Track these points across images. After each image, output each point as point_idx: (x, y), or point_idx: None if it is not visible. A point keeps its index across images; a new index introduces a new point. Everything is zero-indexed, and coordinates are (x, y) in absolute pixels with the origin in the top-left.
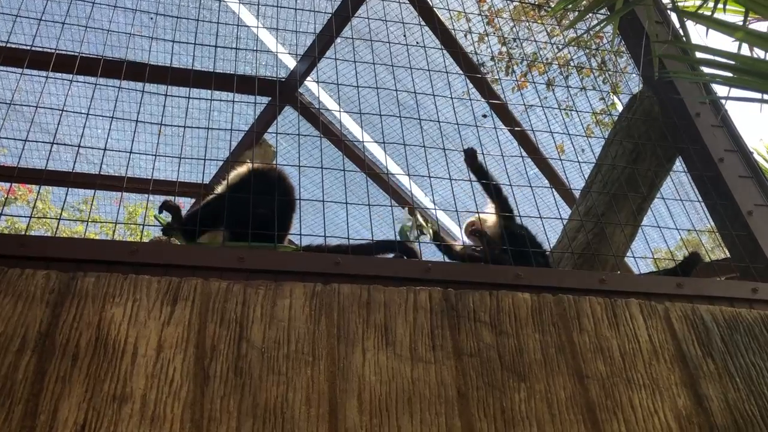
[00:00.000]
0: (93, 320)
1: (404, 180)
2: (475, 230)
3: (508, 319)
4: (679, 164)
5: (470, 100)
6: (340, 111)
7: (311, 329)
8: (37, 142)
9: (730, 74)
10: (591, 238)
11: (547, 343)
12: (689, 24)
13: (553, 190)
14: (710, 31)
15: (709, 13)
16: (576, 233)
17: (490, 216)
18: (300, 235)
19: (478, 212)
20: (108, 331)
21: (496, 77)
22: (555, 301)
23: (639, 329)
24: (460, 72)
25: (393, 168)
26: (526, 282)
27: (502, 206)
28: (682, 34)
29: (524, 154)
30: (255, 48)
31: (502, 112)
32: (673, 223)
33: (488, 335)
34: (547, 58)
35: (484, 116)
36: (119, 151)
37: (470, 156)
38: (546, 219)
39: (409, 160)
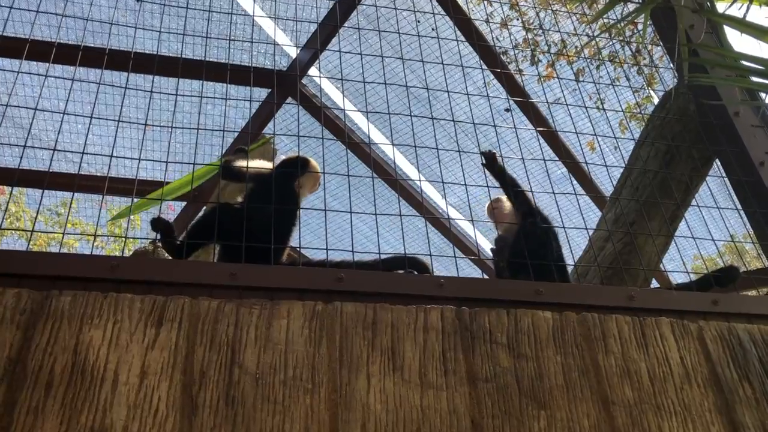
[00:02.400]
0: (69, 344)
1: (415, 176)
2: (495, 243)
3: (527, 341)
4: (716, 168)
5: (488, 97)
6: (344, 109)
7: (311, 353)
8: (10, 145)
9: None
10: (620, 249)
11: (570, 366)
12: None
13: (577, 196)
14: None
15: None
16: (604, 243)
17: (508, 205)
18: (299, 247)
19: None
20: (86, 356)
21: (520, 68)
22: (578, 320)
23: (670, 350)
24: (479, 65)
25: (404, 166)
26: (547, 299)
27: (524, 214)
28: (717, 39)
29: (547, 154)
30: (252, 34)
31: (525, 105)
32: (709, 233)
33: (505, 358)
34: (576, 47)
35: (507, 110)
36: (99, 155)
37: (489, 159)
38: (570, 229)
39: (424, 158)
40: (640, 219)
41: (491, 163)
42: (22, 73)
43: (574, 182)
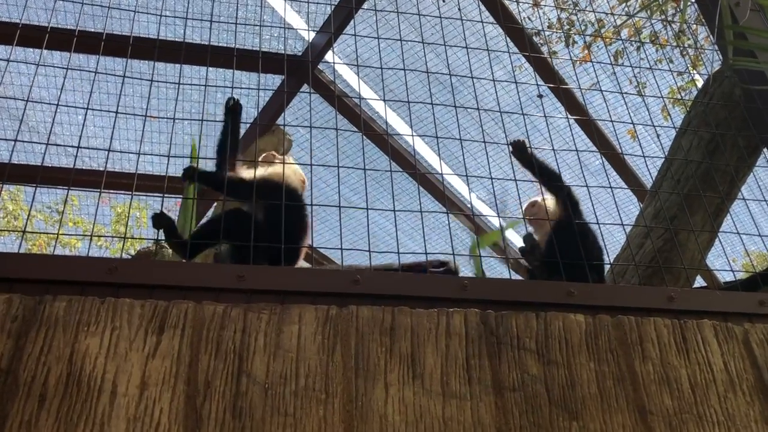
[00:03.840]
0: (64, 353)
1: (438, 167)
2: (524, 242)
3: (557, 346)
4: (764, 157)
5: (516, 83)
6: (361, 98)
7: (324, 361)
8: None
9: None
10: (660, 246)
11: (604, 373)
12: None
13: (613, 190)
14: None
15: None
16: (643, 240)
17: (550, 202)
18: (312, 247)
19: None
20: (82, 366)
21: (553, 50)
22: (614, 323)
23: (713, 356)
24: (508, 47)
25: (427, 156)
26: (579, 301)
27: (564, 201)
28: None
29: (582, 143)
30: (263, 17)
31: (559, 91)
32: (756, 228)
33: (534, 365)
34: (614, 26)
35: (539, 96)
36: (97, 149)
37: (519, 149)
38: (606, 225)
39: (449, 147)
40: (682, 213)
41: (521, 152)
42: (15, 61)
43: (613, 173)
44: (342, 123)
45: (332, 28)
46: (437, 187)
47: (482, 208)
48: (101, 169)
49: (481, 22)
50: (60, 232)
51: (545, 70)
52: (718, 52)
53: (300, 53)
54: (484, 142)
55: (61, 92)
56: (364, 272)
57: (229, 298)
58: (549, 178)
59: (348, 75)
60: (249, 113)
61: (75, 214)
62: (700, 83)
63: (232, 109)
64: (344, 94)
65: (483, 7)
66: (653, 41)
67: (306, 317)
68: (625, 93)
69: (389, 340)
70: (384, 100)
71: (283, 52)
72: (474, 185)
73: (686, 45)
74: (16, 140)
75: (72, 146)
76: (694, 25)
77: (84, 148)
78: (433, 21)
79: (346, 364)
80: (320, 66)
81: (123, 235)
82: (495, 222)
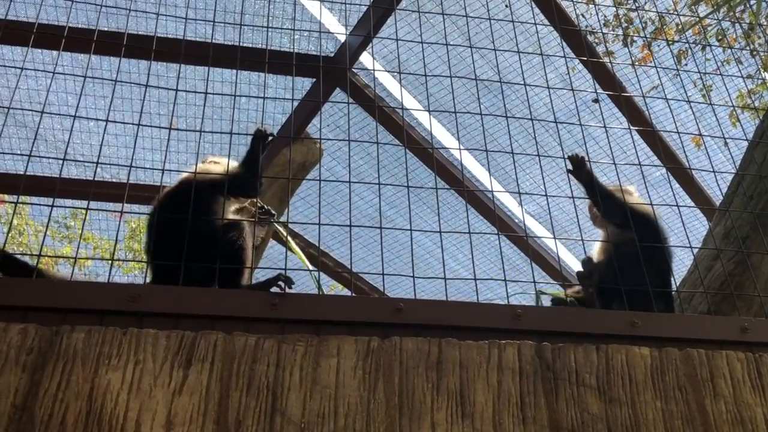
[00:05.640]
0: (83, 389)
1: (486, 180)
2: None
3: (620, 382)
4: None
5: (573, 90)
6: (403, 108)
7: (365, 398)
8: (12, 153)
9: None
10: (731, 270)
11: (672, 413)
12: None
13: (679, 208)
14: None
15: None
16: (712, 262)
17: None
18: (351, 270)
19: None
20: (102, 403)
21: (610, 50)
22: (682, 357)
23: None
24: (561, 48)
25: (474, 168)
26: (644, 332)
27: (621, 229)
28: None
29: (642, 152)
30: (294, 15)
31: (617, 95)
32: None
33: (595, 403)
34: (677, 24)
35: (595, 101)
36: (115, 165)
37: (577, 165)
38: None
39: (497, 159)
40: (755, 233)
41: (579, 168)
42: (27, 69)
43: (676, 185)
44: (379, 130)
45: (371, 26)
46: (483, 202)
47: (532, 223)
48: (115, 180)
49: (534, 24)
50: (76, 254)
51: (601, 72)
52: None
53: (333, 54)
54: (539, 155)
55: (79, 102)
56: (408, 300)
57: (261, 329)
58: (610, 207)
59: (385, 77)
60: (276, 119)
61: (85, 229)
62: None
63: (262, 138)
64: (381, 99)
65: (533, 4)
66: (720, 40)
67: (345, 350)
68: (690, 101)
69: (436, 375)
70: (429, 111)
71: (314, 53)
72: (524, 199)
73: (757, 44)
74: (30, 155)
75: (91, 162)
76: (765, 22)
77: (105, 164)
78: (476, 19)
79: (389, 402)
80: (354, 66)
81: (141, 257)
82: (550, 243)
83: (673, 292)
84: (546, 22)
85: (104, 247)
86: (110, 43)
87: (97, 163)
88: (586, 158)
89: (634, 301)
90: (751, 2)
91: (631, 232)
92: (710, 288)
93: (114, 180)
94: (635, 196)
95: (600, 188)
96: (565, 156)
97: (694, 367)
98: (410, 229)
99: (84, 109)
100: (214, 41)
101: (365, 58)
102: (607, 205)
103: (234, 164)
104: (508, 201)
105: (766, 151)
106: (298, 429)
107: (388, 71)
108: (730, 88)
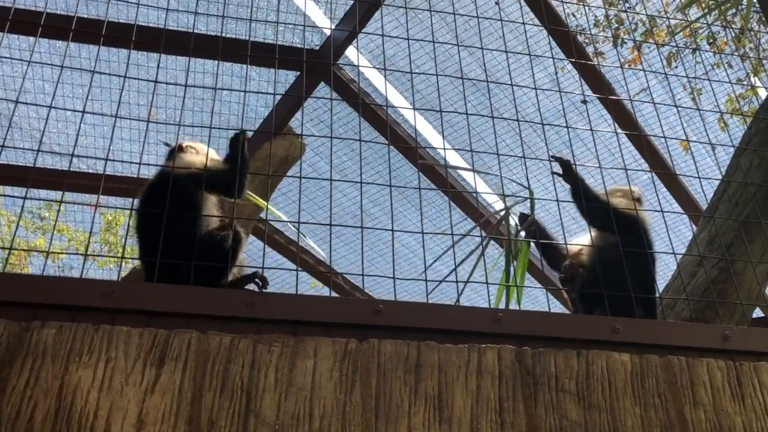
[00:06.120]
0: (52, 386)
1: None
2: (566, 271)
3: (600, 388)
4: None
5: (560, 91)
6: (387, 105)
7: (341, 400)
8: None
9: None
10: (714, 277)
11: (651, 420)
12: None
13: (663, 213)
14: None
15: None
16: (695, 269)
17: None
18: (330, 271)
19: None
20: (72, 401)
21: (599, 50)
22: (662, 364)
23: None
24: (549, 47)
25: (456, 163)
26: (625, 338)
27: (606, 233)
28: None
29: (630, 155)
30: (278, 6)
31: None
32: None
33: (574, 409)
34: (668, 26)
35: (583, 102)
36: (92, 157)
37: (564, 168)
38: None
39: (483, 159)
40: (739, 241)
41: (566, 171)
42: (3, 57)
43: (662, 189)
44: (363, 126)
45: (356, 20)
46: (469, 201)
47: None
48: (92, 171)
49: (523, 23)
50: (49, 247)
51: (590, 72)
52: None
53: (318, 47)
54: (524, 157)
55: (56, 90)
56: (388, 302)
57: (237, 328)
58: (596, 214)
59: (370, 72)
60: (259, 113)
61: (59, 220)
62: (762, 92)
63: (242, 143)
64: (367, 94)
65: (522, 2)
66: (711, 43)
67: (322, 351)
68: (678, 106)
69: (414, 379)
70: (414, 109)
71: (300, 45)
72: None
73: (748, 48)
74: (3, 145)
75: (67, 154)
76: (756, 27)
77: (81, 156)
78: (465, 16)
79: (365, 405)
80: (339, 60)
81: (117, 251)
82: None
83: (656, 298)
84: (536, 21)
85: (79, 240)
86: (88, 29)
87: (72, 155)
88: (572, 161)
89: (616, 306)
90: (742, 6)
91: (615, 236)
92: (693, 294)
93: (91, 171)
94: (638, 199)
95: (586, 192)
96: (551, 157)
97: (674, 375)
98: (392, 230)
99: (61, 97)
100: (196, 31)
101: (352, 52)
102: (592, 210)
103: (215, 156)
104: (490, 198)
105: (752, 158)
106: (272, 431)
107: (374, 67)
108: (721, 92)
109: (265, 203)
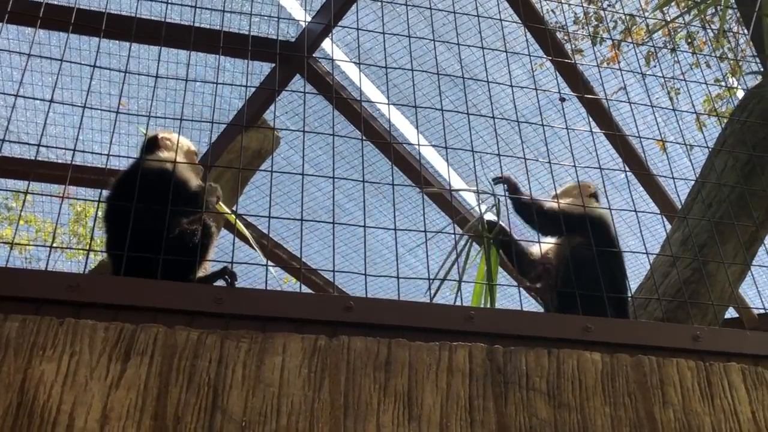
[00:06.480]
0: (14, 380)
1: (447, 174)
2: (540, 268)
3: (570, 387)
4: None
5: (536, 89)
6: (362, 100)
7: (310, 397)
8: None
9: None
10: (687, 277)
11: (620, 419)
12: None
13: (638, 213)
14: None
15: None
16: (668, 269)
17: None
18: (302, 265)
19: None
20: (35, 395)
21: (578, 47)
22: (632, 363)
23: (740, 404)
24: (527, 44)
25: (435, 162)
26: (596, 338)
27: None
28: None
29: (607, 154)
30: None
31: (583, 94)
32: None
33: (544, 408)
34: (647, 25)
35: (562, 100)
36: (65, 148)
37: (510, 188)
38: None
39: (460, 155)
40: (712, 241)
41: (513, 190)
42: None
43: (639, 187)
44: (339, 119)
45: (331, 14)
46: (443, 197)
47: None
48: (61, 161)
49: (500, 20)
50: (13, 238)
51: (568, 70)
52: (759, 64)
53: (293, 39)
54: (499, 155)
55: (22, 77)
56: (359, 299)
57: (204, 323)
58: (546, 224)
59: (346, 65)
60: (233, 104)
61: (27, 210)
62: (739, 92)
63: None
64: (342, 87)
65: None
66: (689, 43)
67: (291, 348)
68: (655, 106)
69: (384, 376)
70: (388, 104)
71: (274, 37)
72: (484, 197)
73: (726, 48)
74: None
75: (34, 144)
76: (735, 28)
77: (48, 146)
78: (442, 11)
79: (334, 402)
80: (315, 53)
81: (86, 243)
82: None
83: (629, 298)
84: (515, 17)
85: (47, 231)
86: (58, 17)
87: (39, 145)
88: (548, 158)
89: (586, 306)
90: (720, 6)
91: (580, 237)
92: (666, 294)
93: (60, 161)
94: (594, 194)
95: (537, 207)
96: (493, 180)
97: (644, 374)
98: (364, 226)
99: (30, 85)
100: (169, 20)
101: (328, 45)
102: (543, 223)
103: (191, 147)
104: (469, 197)
105: (726, 159)
106: (239, 427)
107: (349, 60)
108: (698, 92)
109: (232, 215)
